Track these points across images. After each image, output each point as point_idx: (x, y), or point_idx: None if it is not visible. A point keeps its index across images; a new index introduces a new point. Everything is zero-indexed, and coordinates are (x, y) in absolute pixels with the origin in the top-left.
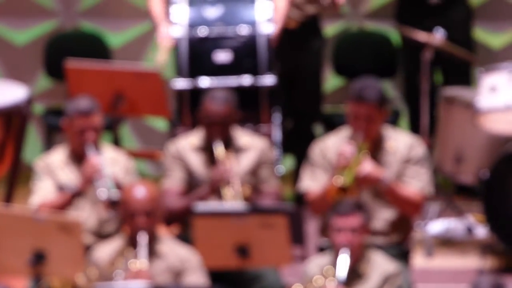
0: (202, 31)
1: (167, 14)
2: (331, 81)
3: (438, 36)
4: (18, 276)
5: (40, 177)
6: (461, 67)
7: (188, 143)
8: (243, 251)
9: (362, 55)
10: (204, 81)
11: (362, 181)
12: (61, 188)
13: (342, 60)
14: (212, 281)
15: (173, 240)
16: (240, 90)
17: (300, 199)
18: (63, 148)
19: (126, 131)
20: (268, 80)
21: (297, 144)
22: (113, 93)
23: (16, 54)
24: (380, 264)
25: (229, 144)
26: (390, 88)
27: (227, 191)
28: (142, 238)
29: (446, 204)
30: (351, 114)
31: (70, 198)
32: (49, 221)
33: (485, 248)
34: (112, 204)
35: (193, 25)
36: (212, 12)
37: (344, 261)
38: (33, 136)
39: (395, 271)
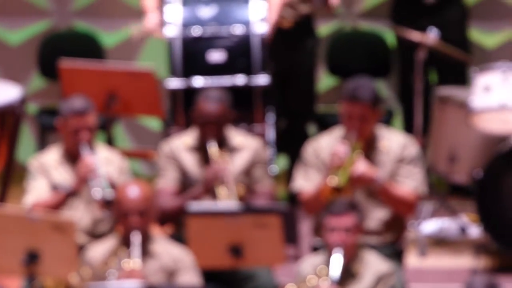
0: (196, 31)
1: (159, 8)
2: (324, 80)
3: (431, 35)
4: (12, 275)
5: (34, 177)
6: (456, 67)
7: (182, 143)
8: (236, 250)
9: (355, 55)
10: (198, 81)
11: (356, 181)
12: (55, 187)
13: (335, 60)
14: (206, 281)
15: (167, 240)
16: (233, 90)
17: (293, 198)
18: (57, 147)
19: (120, 131)
20: (262, 79)
21: (290, 144)
22: (106, 92)
23: (10, 53)
24: (374, 264)
25: (223, 144)
26: (384, 88)
27: (221, 191)
28: (135, 238)
29: (439, 204)
30: (344, 114)
31: (64, 197)
32: (43, 221)
33: (478, 248)
34: (106, 204)
35: (187, 25)
36: (206, 11)
37: (337, 260)
38: (27, 135)
39: (388, 271)
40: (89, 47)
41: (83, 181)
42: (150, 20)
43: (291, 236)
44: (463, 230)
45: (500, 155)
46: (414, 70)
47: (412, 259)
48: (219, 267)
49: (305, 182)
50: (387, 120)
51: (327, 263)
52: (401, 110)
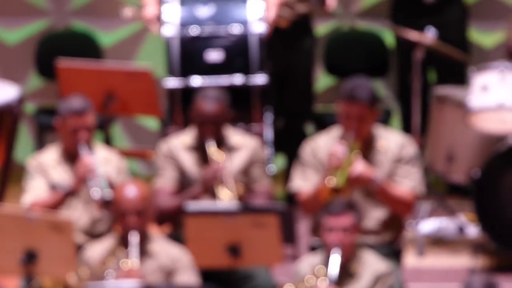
0: (194, 30)
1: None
2: (322, 80)
3: (429, 35)
4: (10, 275)
5: (32, 176)
6: (454, 66)
7: (180, 142)
8: (234, 250)
9: (353, 55)
10: (196, 80)
11: (355, 182)
12: (53, 187)
13: (333, 60)
14: (204, 281)
15: (165, 240)
16: (231, 89)
17: (291, 198)
18: (55, 147)
19: (118, 131)
20: (260, 79)
21: (288, 143)
22: (104, 92)
23: (8, 53)
24: (372, 264)
25: (221, 143)
26: (382, 87)
27: (220, 190)
28: (133, 238)
29: (437, 203)
30: (342, 114)
31: (63, 197)
32: (41, 220)
33: (476, 247)
34: (105, 204)
35: (184, 24)
36: (204, 11)
37: (335, 260)
38: (25, 135)
39: (386, 271)
40: (86, 46)
41: (81, 181)
42: (149, 11)
43: (289, 235)
44: (461, 229)
45: (498, 155)
46: (412, 70)
47: (410, 259)
48: (217, 266)
49: (303, 182)
50: (385, 120)
51: (325, 263)
52: (400, 109)
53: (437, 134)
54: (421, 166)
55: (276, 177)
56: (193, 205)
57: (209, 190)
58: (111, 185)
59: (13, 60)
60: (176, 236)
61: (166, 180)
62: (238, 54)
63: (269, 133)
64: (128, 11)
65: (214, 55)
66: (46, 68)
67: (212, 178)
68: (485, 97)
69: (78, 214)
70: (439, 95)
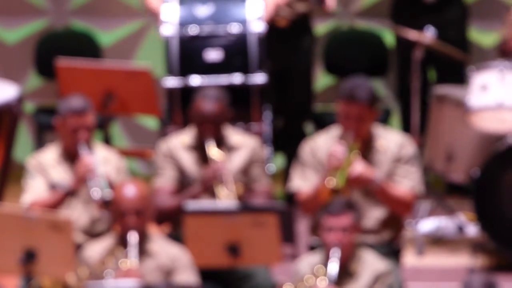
0: (193, 30)
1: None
2: (321, 79)
3: (428, 34)
4: (9, 274)
5: (32, 176)
6: (454, 66)
7: (180, 142)
8: (234, 249)
9: (352, 54)
10: (195, 80)
11: (354, 182)
12: (53, 186)
13: (333, 59)
14: (203, 280)
15: (164, 239)
16: (231, 89)
17: (290, 197)
18: (55, 146)
19: (117, 130)
20: (259, 78)
21: (287, 143)
22: (103, 91)
23: (7, 52)
24: (371, 263)
25: (220, 143)
26: (381, 87)
27: (220, 190)
28: (132, 237)
29: (437, 203)
30: (341, 114)
31: (63, 197)
32: (41, 220)
33: (476, 247)
34: (105, 204)
35: (183, 24)
36: (203, 10)
37: (335, 260)
38: (24, 134)
39: (386, 270)
40: (86, 46)
41: (81, 180)
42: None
43: (288, 235)
44: (460, 229)
45: (497, 154)
46: (411, 69)
47: (410, 258)
48: (216, 266)
49: (302, 182)
50: (385, 119)
51: (324, 263)
52: (400, 109)
53: (437, 133)
54: (421, 166)
55: (275, 177)
56: (193, 205)
57: (209, 190)
58: (111, 185)
59: (12, 59)
60: (176, 236)
61: (165, 180)
62: (237, 54)
63: (268, 132)
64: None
65: (213, 55)
66: (45, 68)
67: (212, 178)
68: (484, 97)
69: (77, 213)
70: (438, 94)
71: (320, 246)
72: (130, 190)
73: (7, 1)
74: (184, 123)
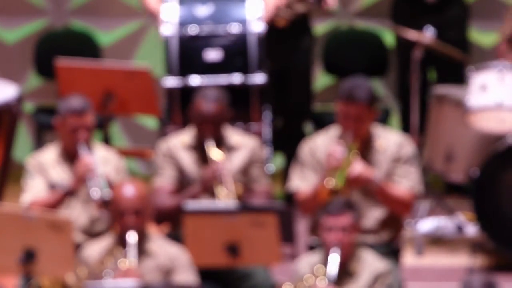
0: (193, 30)
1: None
2: (321, 79)
3: (428, 34)
4: (8, 274)
5: (31, 175)
6: (454, 66)
7: (180, 142)
8: (233, 249)
9: (352, 54)
10: (195, 80)
11: (353, 182)
12: (52, 186)
13: (332, 59)
14: (202, 280)
15: (163, 239)
16: (230, 89)
17: (290, 197)
18: (55, 146)
19: (116, 130)
20: (259, 78)
21: (287, 143)
22: (103, 91)
23: (7, 52)
24: (371, 263)
25: (220, 143)
26: (381, 87)
27: (219, 190)
28: (131, 237)
29: (436, 203)
30: (340, 114)
31: (62, 196)
32: (40, 220)
33: (475, 247)
34: (104, 204)
35: (183, 24)
36: (203, 10)
37: (334, 260)
38: (24, 134)
39: (385, 270)
40: (85, 46)
41: (81, 180)
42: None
43: (287, 235)
44: (459, 228)
45: (497, 154)
46: (411, 69)
47: (409, 258)
48: (216, 266)
49: (301, 182)
50: (384, 119)
51: (324, 262)
52: (400, 109)
53: (436, 133)
54: (420, 166)
55: (274, 176)
56: (192, 204)
57: (208, 190)
58: (110, 185)
59: (12, 59)
60: (175, 235)
61: (165, 179)
62: (237, 54)
63: (267, 132)
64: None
65: (213, 54)
66: (45, 67)
67: (211, 178)
68: (484, 97)
69: (77, 213)
70: (438, 94)
71: (320, 246)
72: (129, 190)
73: (7, 1)
74: (183, 123)
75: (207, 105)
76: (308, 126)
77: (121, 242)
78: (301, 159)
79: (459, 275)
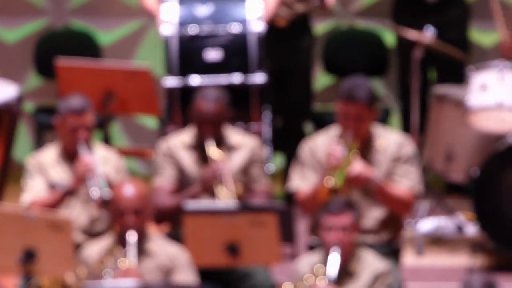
0: (193, 29)
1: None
2: (321, 79)
3: (428, 34)
4: (8, 274)
5: (31, 175)
6: (454, 65)
7: (180, 141)
8: (233, 249)
9: (352, 53)
10: (195, 79)
11: (353, 182)
12: (52, 186)
13: (332, 58)
14: (202, 279)
15: (163, 239)
16: (230, 88)
17: (290, 197)
18: (54, 146)
19: (116, 129)
20: (258, 78)
21: (287, 142)
22: (103, 91)
23: (7, 52)
24: (371, 263)
25: (220, 143)
26: (381, 86)
27: (219, 190)
28: (131, 237)
29: (436, 203)
30: (340, 114)
31: (62, 196)
32: (40, 219)
33: (475, 246)
34: (104, 203)
35: (183, 23)
36: (203, 10)
37: (334, 259)
38: (24, 134)
39: (385, 270)
40: (85, 45)
41: (81, 180)
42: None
43: (287, 234)
44: (459, 228)
45: (497, 154)
46: (411, 69)
47: (409, 258)
48: (215, 265)
49: (301, 182)
50: (384, 119)
51: (324, 262)
52: (399, 108)
53: (436, 133)
54: (420, 165)
55: (274, 176)
56: (192, 204)
57: (208, 189)
58: (110, 184)
59: (12, 59)
60: (175, 235)
61: (165, 179)
62: (236, 53)
63: (267, 132)
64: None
65: (212, 54)
66: (45, 67)
67: (211, 177)
68: (484, 96)
69: (77, 213)
70: (438, 94)
71: (320, 246)
72: (129, 190)
73: (7, 1)
74: (183, 123)
75: (207, 105)
76: (308, 126)
77: (121, 241)
78: (301, 159)
79: (459, 275)
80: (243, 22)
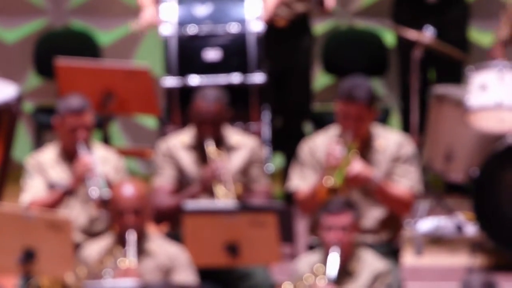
0: (192, 29)
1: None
2: (320, 79)
3: (428, 34)
4: (8, 274)
5: (31, 175)
6: (454, 65)
7: (179, 141)
8: (232, 249)
9: (351, 53)
10: (194, 79)
11: (352, 181)
12: (52, 186)
13: (331, 58)
14: (202, 279)
15: (163, 238)
16: (229, 88)
17: (289, 197)
18: (54, 146)
19: (116, 129)
20: (258, 78)
21: (286, 142)
22: (103, 91)
23: (6, 52)
24: (370, 262)
25: (220, 143)
26: (381, 86)
27: (219, 189)
28: (131, 237)
29: (436, 202)
30: (340, 113)
31: (61, 196)
32: (39, 219)
33: (474, 246)
34: (103, 203)
35: (182, 23)
36: (202, 10)
37: (334, 259)
38: (23, 134)
39: (385, 269)
40: (85, 45)
41: (80, 180)
42: (147, 13)
43: (287, 234)
44: (459, 228)
45: (496, 154)
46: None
47: (409, 258)
48: (215, 265)
49: (301, 182)
50: (384, 119)
51: (323, 262)
52: (401, 108)
53: (436, 133)
54: (420, 165)
55: (274, 176)
56: (192, 204)
57: (208, 189)
58: (109, 184)
59: (11, 59)
60: (175, 235)
61: (165, 179)
62: (236, 53)
63: (267, 132)
64: (133, 25)
65: (212, 54)
66: (44, 67)
67: (211, 177)
68: (483, 96)
69: (76, 213)
70: (438, 94)
71: (319, 246)
72: (129, 189)
73: (7, 1)
74: (183, 123)
75: (206, 105)
76: (307, 126)
77: (121, 241)
78: (300, 158)
79: (459, 275)
80: (242, 22)
